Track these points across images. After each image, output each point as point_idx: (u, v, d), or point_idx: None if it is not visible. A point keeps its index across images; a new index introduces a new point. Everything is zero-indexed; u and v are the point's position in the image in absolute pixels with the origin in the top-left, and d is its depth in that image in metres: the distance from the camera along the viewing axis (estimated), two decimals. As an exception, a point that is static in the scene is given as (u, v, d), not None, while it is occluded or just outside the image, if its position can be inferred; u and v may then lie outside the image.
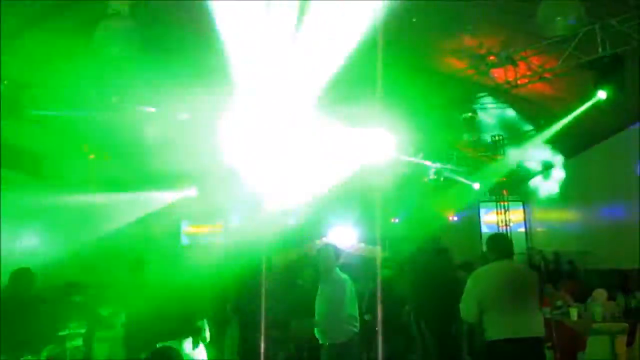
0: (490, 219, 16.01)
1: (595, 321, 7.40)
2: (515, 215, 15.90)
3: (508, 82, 8.65)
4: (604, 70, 7.15)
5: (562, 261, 12.82)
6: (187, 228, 16.90)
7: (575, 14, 6.67)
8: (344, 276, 5.66)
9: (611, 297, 8.22)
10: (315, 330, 5.67)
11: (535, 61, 8.38)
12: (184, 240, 16.48)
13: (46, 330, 5.40)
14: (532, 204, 16.37)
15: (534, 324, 4.81)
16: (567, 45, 7.49)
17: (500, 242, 5.33)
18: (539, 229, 16.12)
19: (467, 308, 5.01)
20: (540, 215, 15.99)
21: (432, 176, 13.77)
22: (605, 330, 7.21)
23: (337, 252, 5.78)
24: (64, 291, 6.98)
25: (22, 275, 5.42)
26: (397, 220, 16.43)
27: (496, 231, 13.94)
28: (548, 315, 8.01)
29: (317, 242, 16.97)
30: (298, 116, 8.50)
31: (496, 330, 4.78)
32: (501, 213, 13.94)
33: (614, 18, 6.97)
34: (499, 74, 8.97)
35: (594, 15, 6.94)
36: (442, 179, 13.89)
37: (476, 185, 14.25)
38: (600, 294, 8.24)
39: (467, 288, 5.05)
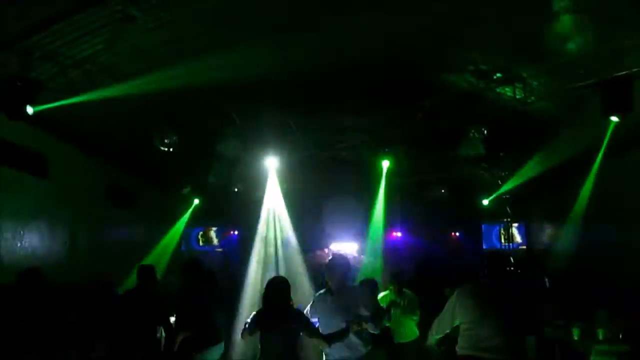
0: (492, 236, 16.03)
1: (598, 342, 7.38)
2: (517, 233, 15.92)
3: (516, 100, 8.69)
4: (614, 93, 7.18)
5: (563, 279, 12.78)
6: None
7: (585, 35, 6.70)
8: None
9: (613, 318, 8.20)
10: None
11: (543, 80, 8.43)
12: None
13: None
14: (534, 221, 16.38)
15: (506, 347, 4.74)
16: (577, 66, 7.54)
17: (493, 260, 5.34)
18: (540, 247, 16.10)
19: (440, 320, 5.19)
20: (541, 233, 15.99)
21: (437, 191, 13.79)
22: (608, 351, 7.20)
23: (349, 263, 5.78)
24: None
25: (30, 275, 5.33)
26: (399, 234, 16.43)
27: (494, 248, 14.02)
28: (550, 335, 7.99)
29: (319, 252, 17.06)
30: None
31: (464, 345, 4.86)
32: (504, 230, 13.94)
33: (625, 40, 7.02)
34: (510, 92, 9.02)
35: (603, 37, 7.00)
36: (446, 193, 13.91)
37: (485, 202, 14.26)
38: (602, 314, 8.23)
39: (449, 300, 5.19)
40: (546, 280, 11.90)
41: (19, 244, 9.49)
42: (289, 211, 14.68)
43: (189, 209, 15.27)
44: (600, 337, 7.45)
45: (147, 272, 6.96)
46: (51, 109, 8.62)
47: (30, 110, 7.28)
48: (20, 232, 9.62)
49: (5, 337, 4.98)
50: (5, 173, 9.36)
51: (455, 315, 5.02)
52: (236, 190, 14.87)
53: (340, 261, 5.70)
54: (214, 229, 18.33)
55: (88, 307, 7.03)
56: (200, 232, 17.92)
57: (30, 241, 9.85)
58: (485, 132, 10.29)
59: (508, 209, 13.30)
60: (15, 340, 4.95)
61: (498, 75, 10.01)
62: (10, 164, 9.51)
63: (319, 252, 17.37)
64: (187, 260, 7.89)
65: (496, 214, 14.02)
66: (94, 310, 6.95)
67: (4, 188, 9.24)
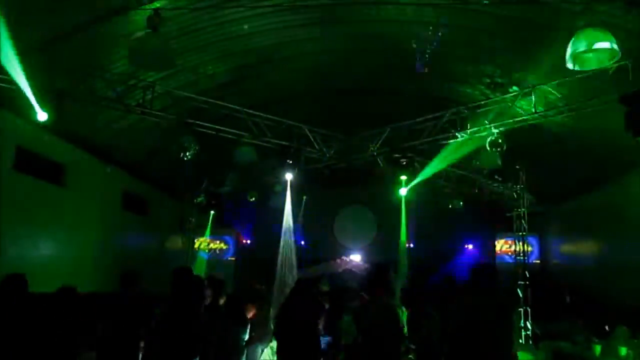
0: (505, 249, 15.93)
1: (619, 358, 7.29)
2: (531, 247, 15.79)
3: (533, 113, 8.66)
4: (636, 107, 7.10)
5: (579, 295, 12.66)
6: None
7: (608, 49, 6.64)
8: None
9: (634, 334, 8.09)
10: None
11: (562, 93, 8.39)
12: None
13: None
14: (548, 235, 16.26)
15: None
16: (599, 79, 7.50)
17: (478, 275, 4.95)
18: (554, 261, 15.98)
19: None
20: (555, 247, 15.87)
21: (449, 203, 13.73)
22: (630, 368, 7.11)
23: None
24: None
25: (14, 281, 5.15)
26: (411, 245, 16.33)
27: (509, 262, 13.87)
28: (569, 350, 7.90)
29: (338, 261, 17.08)
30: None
31: None
32: (516, 243, 13.82)
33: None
34: (527, 105, 8.99)
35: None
36: (461, 205, 13.85)
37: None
38: (623, 331, 8.12)
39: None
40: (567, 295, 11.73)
41: (35, 251, 9.56)
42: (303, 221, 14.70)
43: (202, 217, 15.27)
44: (623, 354, 7.35)
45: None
46: (70, 117, 8.77)
47: (43, 116, 7.34)
48: (36, 239, 9.70)
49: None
50: (24, 181, 9.47)
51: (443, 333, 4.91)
52: (252, 199, 14.92)
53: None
54: (227, 237, 18.33)
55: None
56: (211, 240, 17.89)
57: (47, 248, 9.92)
58: (504, 145, 10.22)
59: (524, 222, 13.17)
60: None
61: (514, 88, 10.04)
62: (29, 172, 9.63)
63: (332, 262, 17.36)
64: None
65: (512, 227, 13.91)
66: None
67: (22, 195, 9.33)
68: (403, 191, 13.29)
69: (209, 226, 15.65)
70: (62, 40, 7.83)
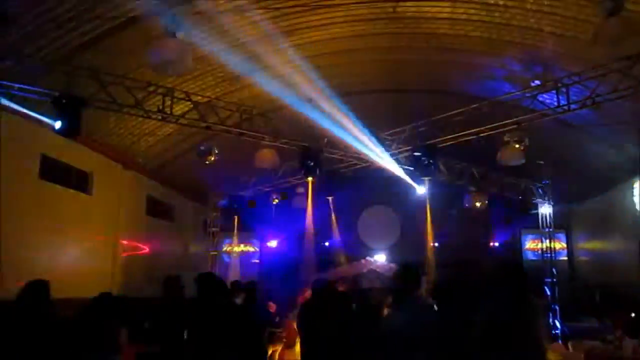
0: (533, 246, 15.66)
1: (653, 357, 7.07)
2: (558, 243, 15.48)
3: (559, 107, 8.47)
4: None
5: (609, 293, 12.34)
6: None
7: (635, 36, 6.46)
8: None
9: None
10: None
11: (588, 85, 8.17)
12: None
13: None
14: (576, 232, 15.93)
15: None
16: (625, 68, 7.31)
17: (508, 274, 4.65)
18: (582, 258, 15.63)
19: None
20: (584, 244, 15.53)
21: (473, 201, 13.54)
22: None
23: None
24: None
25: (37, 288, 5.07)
26: (436, 245, 16.17)
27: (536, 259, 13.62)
28: (600, 350, 7.71)
29: (362, 261, 17.00)
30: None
31: None
32: (542, 241, 13.57)
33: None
34: (550, 99, 8.81)
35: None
36: (485, 203, 13.66)
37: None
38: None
39: None
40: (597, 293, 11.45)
41: (62, 258, 9.71)
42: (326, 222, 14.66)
43: (227, 221, 15.36)
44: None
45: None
46: (93, 125, 8.93)
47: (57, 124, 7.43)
48: (63, 246, 9.87)
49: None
50: (49, 189, 9.65)
51: None
52: (275, 202, 14.96)
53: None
54: (252, 240, 18.44)
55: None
56: (236, 244, 17.98)
57: (73, 254, 10.08)
58: (526, 141, 10.03)
59: (550, 219, 12.93)
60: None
61: (536, 82, 9.86)
62: (54, 180, 9.81)
63: (356, 263, 17.28)
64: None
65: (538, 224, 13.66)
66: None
67: (48, 203, 9.51)
68: (421, 190, 13.18)
69: (234, 230, 15.75)
70: (84, 49, 7.96)
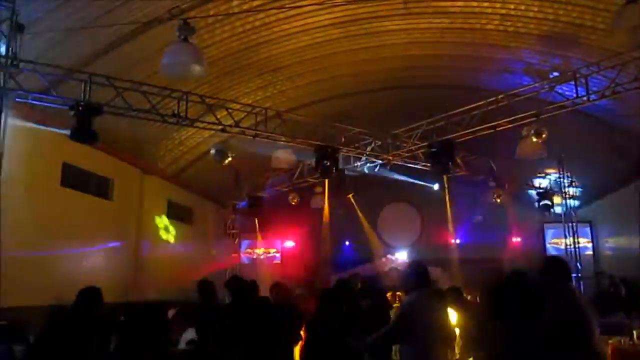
0: (556, 240, 15.42)
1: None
2: (583, 237, 15.20)
3: (577, 97, 8.31)
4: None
5: (635, 288, 12.04)
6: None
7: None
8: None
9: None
10: None
11: (607, 75, 8.00)
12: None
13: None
14: (600, 226, 15.62)
15: None
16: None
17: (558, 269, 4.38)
18: (607, 252, 15.32)
19: None
20: (609, 237, 15.22)
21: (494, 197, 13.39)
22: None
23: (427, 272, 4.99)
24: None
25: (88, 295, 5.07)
26: (458, 241, 16.03)
27: (560, 254, 13.37)
28: (627, 346, 7.52)
29: (383, 259, 16.96)
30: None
31: None
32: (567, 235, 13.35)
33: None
34: (569, 90, 8.65)
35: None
36: (506, 198, 13.49)
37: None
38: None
39: None
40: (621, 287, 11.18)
41: (85, 263, 9.86)
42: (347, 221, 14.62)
43: (246, 222, 15.45)
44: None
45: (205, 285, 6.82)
46: (114, 132, 9.03)
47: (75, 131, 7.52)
48: (85, 252, 10.01)
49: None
50: (71, 196, 9.80)
51: None
52: (293, 202, 14.99)
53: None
54: (271, 241, 18.47)
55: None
56: (256, 245, 18.06)
57: (96, 260, 10.22)
58: (545, 134, 9.86)
59: (573, 211, 12.72)
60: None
61: (555, 74, 9.69)
62: (76, 187, 9.96)
63: (377, 261, 17.25)
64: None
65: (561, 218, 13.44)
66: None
67: (70, 210, 9.66)
68: (437, 186, 13.06)
69: (254, 231, 15.84)
70: (99, 56, 8.07)
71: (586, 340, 4.07)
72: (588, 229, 15.84)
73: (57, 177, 9.41)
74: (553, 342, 3.99)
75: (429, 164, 10.96)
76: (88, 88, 7.50)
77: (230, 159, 10.83)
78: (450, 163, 10.60)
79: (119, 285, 10.04)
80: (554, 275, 4.30)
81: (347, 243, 19.56)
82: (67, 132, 7.59)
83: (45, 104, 7.49)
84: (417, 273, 4.90)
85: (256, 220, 15.88)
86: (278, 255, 18.44)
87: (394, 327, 4.87)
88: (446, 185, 12.69)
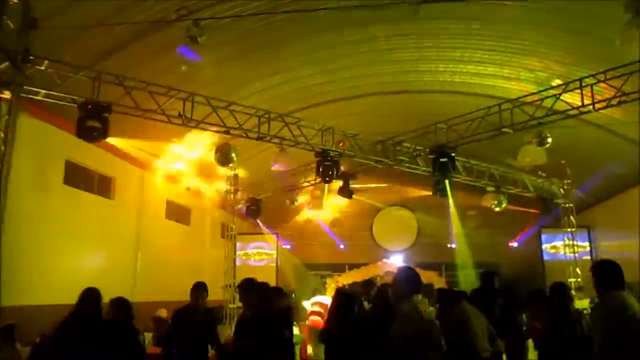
0: (554, 245, 15.50)
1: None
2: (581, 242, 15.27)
3: (583, 106, 8.37)
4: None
5: (634, 292, 12.15)
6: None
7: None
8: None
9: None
10: None
11: (613, 85, 8.06)
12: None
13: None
14: (598, 231, 15.73)
15: None
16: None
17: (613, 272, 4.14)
18: (606, 257, 15.41)
19: None
20: (607, 243, 15.34)
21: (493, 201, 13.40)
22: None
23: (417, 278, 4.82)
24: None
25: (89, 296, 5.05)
26: (454, 246, 16.10)
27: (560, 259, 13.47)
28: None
29: (379, 263, 16.96)
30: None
31: None
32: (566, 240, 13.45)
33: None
34: (571, 99, 8.70)
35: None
36: (505, 203, 13.52)
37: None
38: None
39: None
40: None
41: (85, 262, 9.78)
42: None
43: (244, 224, 15.38)
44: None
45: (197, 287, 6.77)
46: (117, 131, 8.97)
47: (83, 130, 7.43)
48: (86, 251, 9.94)
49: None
50: (73, 194, 9.73)
51: None
52: (292, 206, 14.99)
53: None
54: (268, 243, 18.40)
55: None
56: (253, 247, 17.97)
57: (96, 259, 10.14)
58: (549, 140, 9.94)
59: (572, 218, 12.81)
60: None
61: (557, 81, 9.74)
62: (78, 186, 9.89)
63: (372, 265, 17.25)
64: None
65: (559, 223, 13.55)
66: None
67: (72, 209, 9.58)
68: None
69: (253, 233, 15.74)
70: (108, 54, 8.03)
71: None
72: (586, 235, 15.89)
73: (60, 175, 9.34)
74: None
75: (430, 169, 11.00)
76: (97, 86, 7.45)
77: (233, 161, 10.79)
78: (451, 168, 10.64)
79: (118, 284, 9.95)
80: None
81: (341, 246, 19.64)
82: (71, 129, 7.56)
83: (55, 101, 7.40)
84: (407, 280, 4.74)
85: (255, 222, 15.82)
86: (274, 256, 18.37)
87: None
88: (448, 190, 12.71)
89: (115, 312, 5.30)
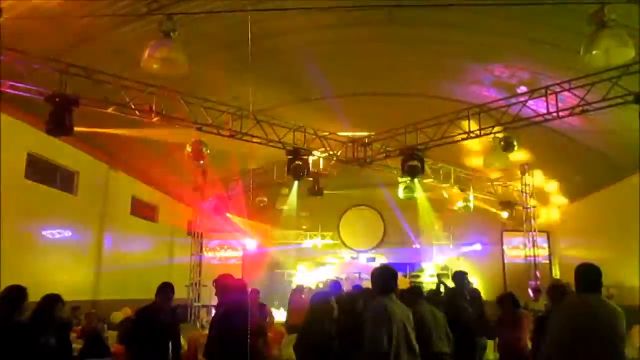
0: (514, 249, 15.90)
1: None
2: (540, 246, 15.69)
3: (548, 113, 8.62)
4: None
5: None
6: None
7: (625, 48, 6.61)
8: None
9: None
10: None
11: (577, 94, 8.34)
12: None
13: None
14: (557, 235, 16.18)
15: None
16: (614, 78, 7.51)
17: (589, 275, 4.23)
18: (565, 261, 15.88)
19: None
20: (565, 246, 15.80)
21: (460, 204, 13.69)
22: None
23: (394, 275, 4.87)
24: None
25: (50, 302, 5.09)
26: (418, 246, 16.34)
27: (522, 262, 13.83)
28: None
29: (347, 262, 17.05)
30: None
31: None
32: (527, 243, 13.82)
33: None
34: (536, 106, 8.96)
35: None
36: (470, 206, 13.82)
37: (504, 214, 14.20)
38: (636, 330, 8.11)
39: None
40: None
41: (47, 259, 9.52)
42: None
43: (212, 222, 15.24)
44: (635, 354, 7.32)
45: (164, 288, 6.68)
46: (81, 123, 8.75)
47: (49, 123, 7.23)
48: (49, 247, 9.67)
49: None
50: (35, 189, 9.45)
51: None
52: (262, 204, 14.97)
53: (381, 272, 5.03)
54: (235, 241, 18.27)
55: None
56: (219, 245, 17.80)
57: (58, 257, 9.88)
58: (515, 145, 10.21)
59: (532, 219, 13.17)
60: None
61: (522, 87, 10.02)
62: (40, 180, 9.61)
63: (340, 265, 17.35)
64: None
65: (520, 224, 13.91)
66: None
67: (33, 204, 9.31)
68: (401, 193, 13.30)
69: (218, 231, 15.62)
70: (75, 48, 7.82)
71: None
72: (546, 239, 16.31)
73: (21, 169, 9.05)
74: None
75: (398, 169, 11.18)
76: (64, 79, 7.26)
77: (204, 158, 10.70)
78: (419, 169, 10.82)
79: (80, 282, 9.76)
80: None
81: (310, 246, 19.62)
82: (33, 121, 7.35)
83: (20, 93, 7.17)
84: (384, 278, 4.78)
85: (220, 220, 15.69)
86: (240, 255, 18.24)
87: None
88: (416, 190, 12.91)
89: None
